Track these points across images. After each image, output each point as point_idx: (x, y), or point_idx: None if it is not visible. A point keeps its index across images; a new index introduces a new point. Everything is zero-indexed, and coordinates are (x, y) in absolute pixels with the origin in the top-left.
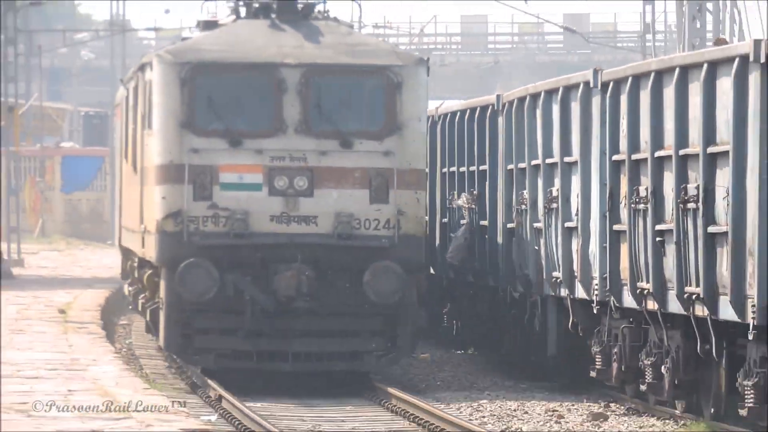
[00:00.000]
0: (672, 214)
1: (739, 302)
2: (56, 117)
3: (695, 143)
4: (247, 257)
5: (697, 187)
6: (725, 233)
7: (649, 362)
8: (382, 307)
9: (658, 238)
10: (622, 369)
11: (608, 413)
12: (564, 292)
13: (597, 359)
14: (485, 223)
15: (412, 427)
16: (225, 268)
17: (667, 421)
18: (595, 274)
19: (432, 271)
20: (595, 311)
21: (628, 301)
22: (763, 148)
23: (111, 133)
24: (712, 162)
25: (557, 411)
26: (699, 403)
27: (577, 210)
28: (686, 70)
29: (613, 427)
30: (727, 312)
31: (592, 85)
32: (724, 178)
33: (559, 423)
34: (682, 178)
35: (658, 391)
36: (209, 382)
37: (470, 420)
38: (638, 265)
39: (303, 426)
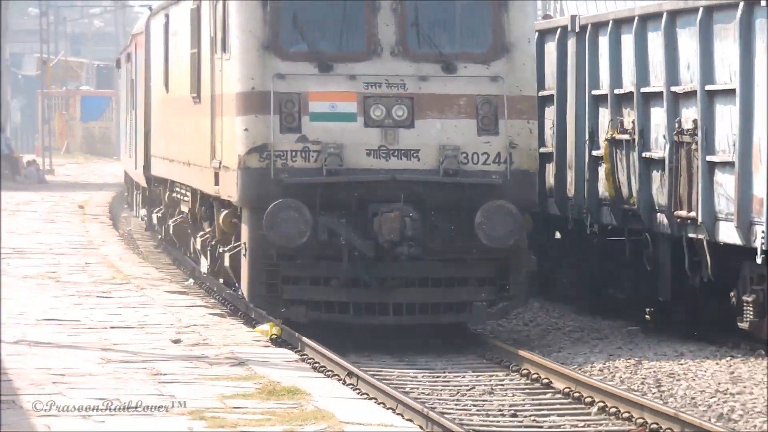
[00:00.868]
0: None
1: None
2: (76, 68)
3: None
4: (342, 197)
5: None
6: None
7: None
8: (495, 252)
9: None
10: None
11: None
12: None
13: (748, 310)
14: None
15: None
16: (317, 209)
17: None
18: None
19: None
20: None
21: None
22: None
23: (116, 80)
24: None
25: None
26: None
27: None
28: None
29: None
30: None
31: None
32: None
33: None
34: None
35: None
36: (300, 336)
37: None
38: None
39: (421, 387)
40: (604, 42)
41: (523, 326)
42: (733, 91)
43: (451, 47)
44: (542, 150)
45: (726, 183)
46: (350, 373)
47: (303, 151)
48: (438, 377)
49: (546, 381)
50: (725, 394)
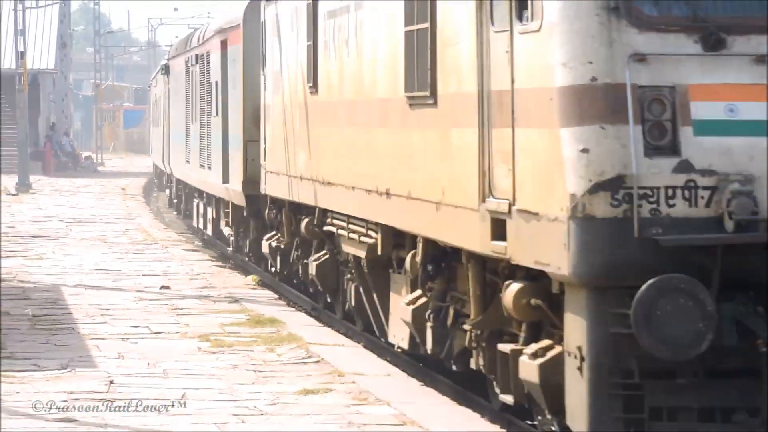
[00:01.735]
0: None
1: None
2: (121, 90)
3: None
4: (758, 267)
5: None
6: None
7: None
8: None
9: None
10: None
11: None
12: None
13: None
14: None
15: None
16: (714, 289)
17: None
18: None
19: None
20: None
21: None
22: None
23: (149, 98)
24: None
25: None
26: None
27: None
28: None
29: None
30: None
31: None
32: None
33: None
34: None
35: None
36: (279, 282)
37: None
38: None
39: None
40: None
41: None
42: None
43: None
44: None
45: None
46: (314, 308)
47: (686, 187)
48: None
49: None
50: None
